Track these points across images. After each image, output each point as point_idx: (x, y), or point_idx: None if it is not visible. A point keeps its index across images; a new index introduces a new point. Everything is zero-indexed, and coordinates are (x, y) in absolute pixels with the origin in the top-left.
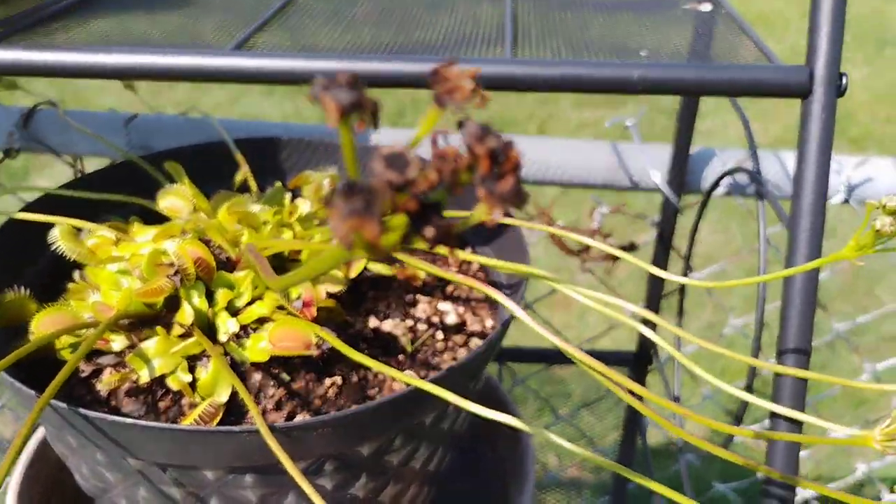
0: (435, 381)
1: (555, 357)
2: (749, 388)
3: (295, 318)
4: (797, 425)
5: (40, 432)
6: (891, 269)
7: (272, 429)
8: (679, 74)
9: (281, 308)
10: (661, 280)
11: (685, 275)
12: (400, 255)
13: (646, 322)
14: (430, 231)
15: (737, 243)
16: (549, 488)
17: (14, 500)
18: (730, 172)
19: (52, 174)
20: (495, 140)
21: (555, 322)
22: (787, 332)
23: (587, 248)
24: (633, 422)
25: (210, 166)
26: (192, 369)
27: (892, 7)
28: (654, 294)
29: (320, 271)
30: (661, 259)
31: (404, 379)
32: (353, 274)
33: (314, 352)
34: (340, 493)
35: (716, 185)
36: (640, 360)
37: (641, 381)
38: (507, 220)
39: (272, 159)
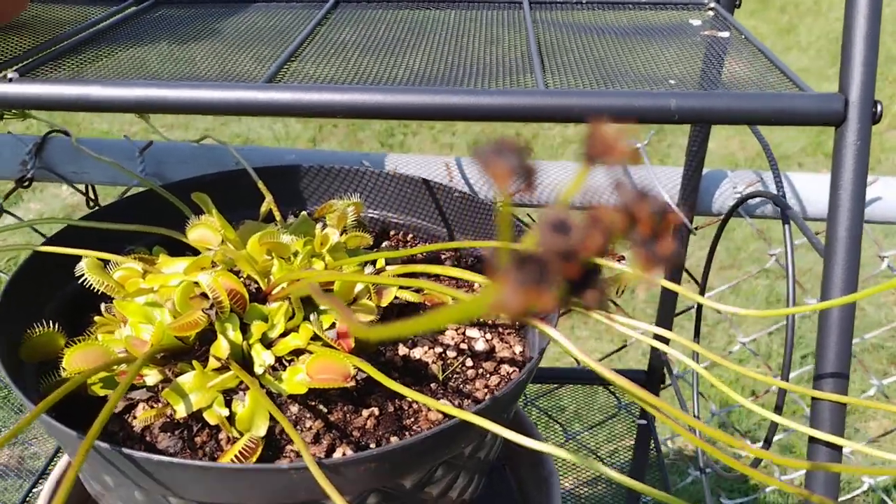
0: (478, 412)
1: (565, 377)
2: (778, 409)
3: (332, 349)
4: (837, 451)
5: (63, 461)
6: None
7: (320, 464)
8: (715, 104)
9: (315, 339)
10: (674, 302)
11: (702, 295)
12: (422, 283)
13: (659, 339)
14: (590, 296)
15: (721, 258)
16: None
17: None
18: (751, 196)
19: (44, 197)
20: (654, 202)
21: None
22: (824, 359)
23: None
24: (646, 439)
25: (232, 195)
26: (228, 403)
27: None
28: (667, 315)
29: (458, 320)
30: (673, 281)
31: (445, 409)
32: (385, 302)
33: (351, 384)
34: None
35: (737, 205)
36: (651, 379)
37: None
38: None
39: (292, 187)
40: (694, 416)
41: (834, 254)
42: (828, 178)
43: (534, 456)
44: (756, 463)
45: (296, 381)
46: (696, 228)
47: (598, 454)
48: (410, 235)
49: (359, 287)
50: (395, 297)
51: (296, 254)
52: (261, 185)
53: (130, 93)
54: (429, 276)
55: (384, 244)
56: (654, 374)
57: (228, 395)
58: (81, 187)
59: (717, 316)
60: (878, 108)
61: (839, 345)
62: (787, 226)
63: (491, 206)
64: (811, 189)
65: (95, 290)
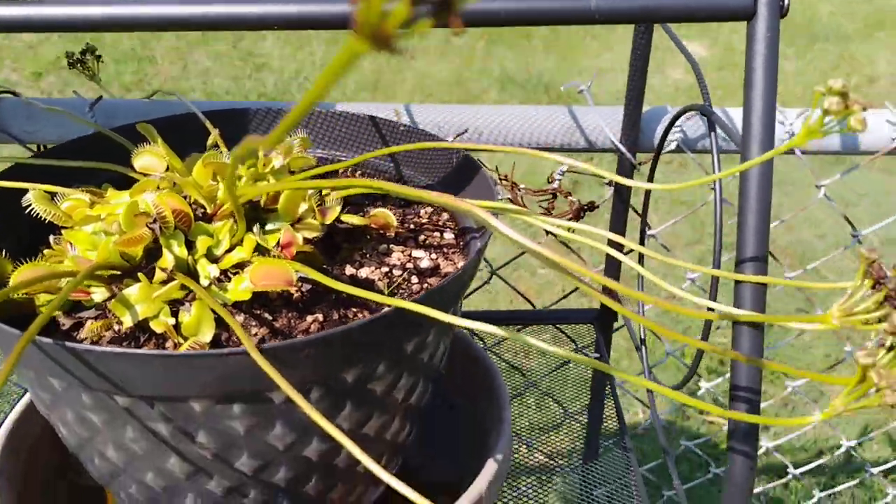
0: (417, 301)
1: (524, 318)
2: (705, 338)
3: (275, 258)
4: (759, 331)
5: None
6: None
7: (261, 350)
8: (633, 3)
9: (261, 252)
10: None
11: (643, 234)
12: (366, 182)
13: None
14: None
15: (687, 235)
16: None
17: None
18: (683, 112)
19: None
20: None
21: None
22: (744, 240)
23: (548, 212)
24: (601, 384)
25: (180, 138)
26: (175, 314)
27: (821, 4)
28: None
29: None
30: (620, 216)
31: (383, 300)
32: (329, 220)
33: (294, 289)
34: (387, 397)
35: (671, 125)
36: (604, 318)
37: (608, 338)
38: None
39: (241, 128)
40: (639, 343)
41: (750, 128)
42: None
43: (490, 385)
44: (681, 385)
45: (240, 288)
46: (639, 164)
47: (558, 398)
48: (359, 172)
49: (303, 207)
50: (341, 222)
51: (240, 178)
52: (208, 124)
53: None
54: (375, 197)
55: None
56: (607, 312)
57: (175, 307)
58: (34, 148)
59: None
60: (786, 1)
61: (757, 218)
62: (713, 133)
63: (434, 138)
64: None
65: (46, 224)
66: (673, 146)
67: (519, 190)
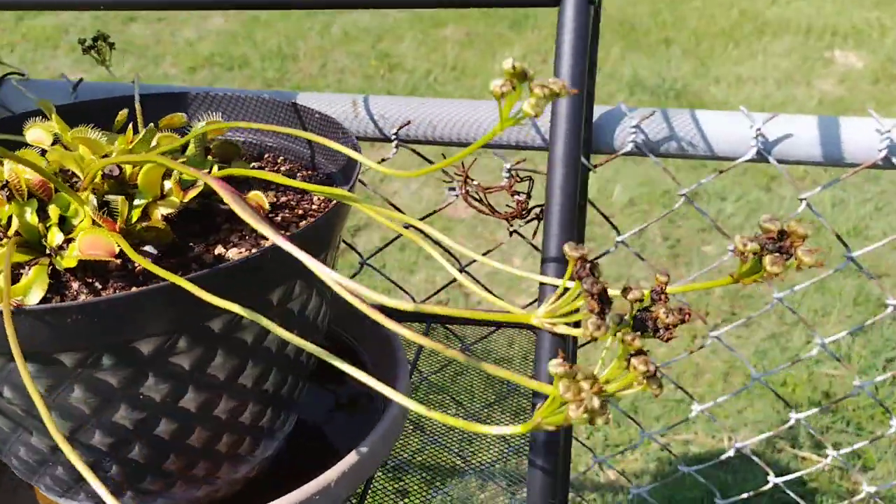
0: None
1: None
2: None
3: (102, 229)
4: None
5: None
6: None
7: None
8: None
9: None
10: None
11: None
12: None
13: None
14: None
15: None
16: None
17: None
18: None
19: None
20: None
21: None
22: (549, 238)
23: (493, 210)
24: None
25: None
26: (17, 278)
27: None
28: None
29: None
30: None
31: (175, 280)
32: (188, 198)
33: (118, 261)
34: (199, 374)
35: None
36: None
37: None
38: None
39: (175, 111)
40: None
41: (556, 139)
42: (736, 116)
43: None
44: None
45: (72, 255)
46: (594, 166)
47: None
48: (281, 157)
49: (168, 186)
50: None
51: (112, 154)
52: (137, 105)
53: None
54: (261, 182)
55: (253, 164)
56: None
57: (18, 270)
58: None
59: (794, 316)
60: None
61: (561, 230)
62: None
63: (339, 130)
64: (717, 125)
65: None
66: (629, 147)
67: (471, 185)
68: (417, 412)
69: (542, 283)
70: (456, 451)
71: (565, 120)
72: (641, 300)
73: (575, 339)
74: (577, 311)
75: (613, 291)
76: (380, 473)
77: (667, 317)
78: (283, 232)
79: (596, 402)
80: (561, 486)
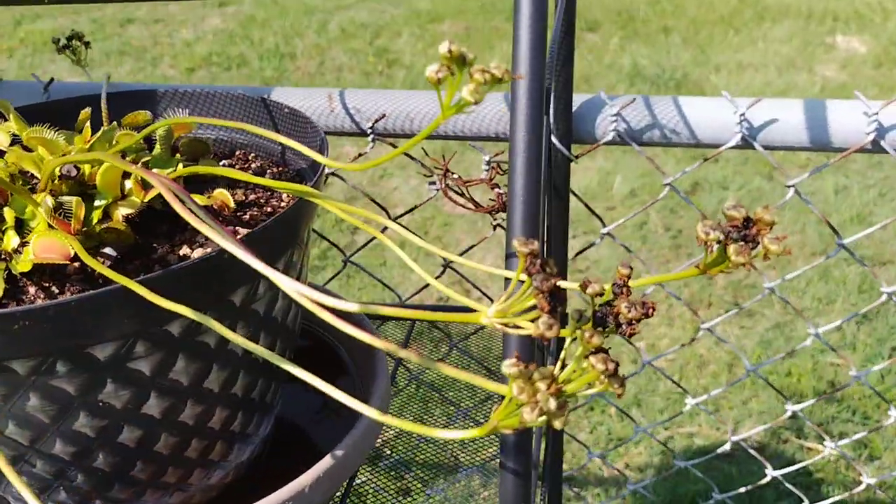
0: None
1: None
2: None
3: (57, 231)
4: None
5: None
6: None
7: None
8: None
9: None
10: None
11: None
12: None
13: None
14: None
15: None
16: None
17: None
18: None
19: None
20: None
21: None
22: (512, 230)
23: (477, 204)
24: None
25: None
26: None
27: None
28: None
29: None
30: (561, 220)
31: (124, 282)
32: (149, 197)
33: (74, 264)
34: (161, 379)
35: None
36: None
37: None
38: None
39: (143, 109)
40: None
41: (516, 114)
42: (720, 101)
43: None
44: None
45: (26, 259)
46: (576, 157)
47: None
48: (252, 154)
49: (129, 185)
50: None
51: (70, 153)
52: (103, 104)
53: None
54: (228, 180)
55: (223, 162)
56: None
57: None
58: None
59: (799, 305)
60: None
61: (524, 222)
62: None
63: (307, 124)
64: (701, 111)
65: None
66: (611, 136)
67: (451, 179)
68: (383, 421)
69: (506, 279)
70: (457, 448)
71: (525, 106)
72: (602, 295)
73: (561, 338)
74: (532, 308)
75: (571, 285)
76: (380, 473)
77: (629, 311)
78: (247, 231)
79: (552, 404)
80: (552, 484)
